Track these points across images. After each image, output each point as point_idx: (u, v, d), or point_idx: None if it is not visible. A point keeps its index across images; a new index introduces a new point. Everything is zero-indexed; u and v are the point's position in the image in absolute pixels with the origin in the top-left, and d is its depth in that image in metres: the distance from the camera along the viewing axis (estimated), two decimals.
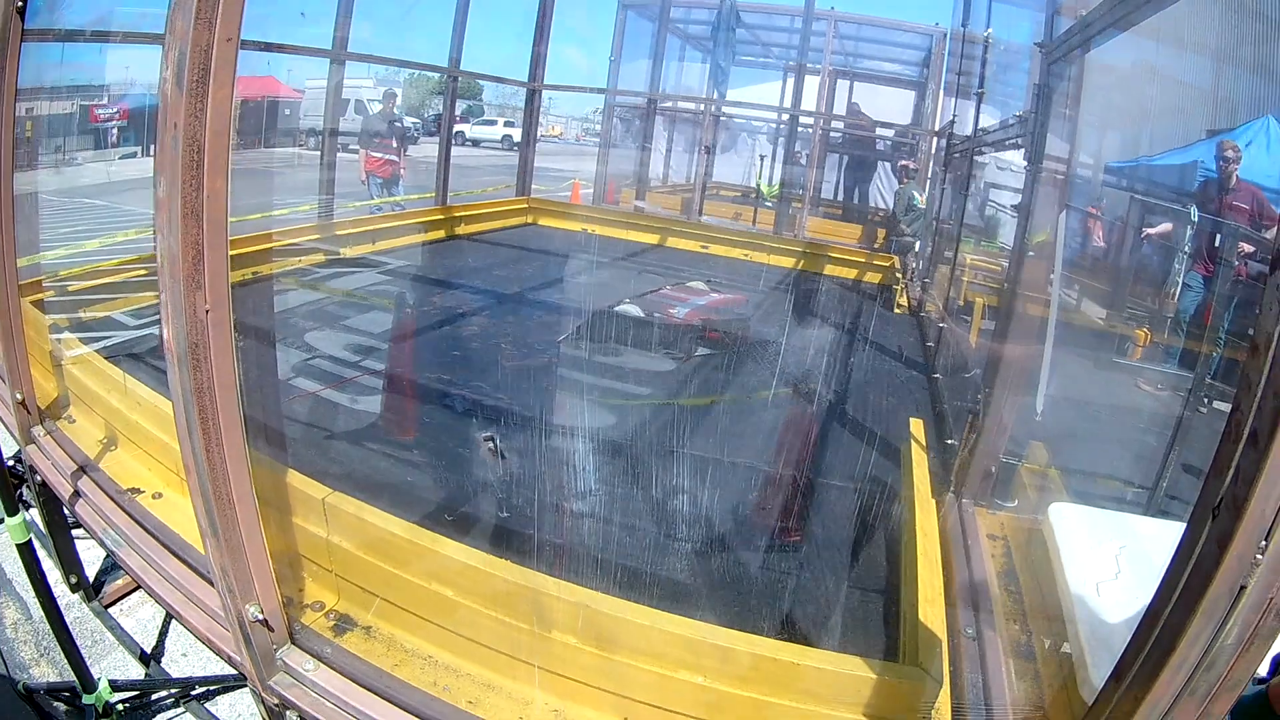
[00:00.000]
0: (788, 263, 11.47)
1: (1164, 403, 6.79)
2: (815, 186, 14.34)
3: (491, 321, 6.71)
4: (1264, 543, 1.35)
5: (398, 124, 12.60)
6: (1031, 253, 4.01)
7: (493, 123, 39.97)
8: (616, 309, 6.79)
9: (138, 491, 3.24)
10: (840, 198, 17.89)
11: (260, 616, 2.27)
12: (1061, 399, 5.55)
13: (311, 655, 2.42)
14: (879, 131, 17.73)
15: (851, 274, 11.17)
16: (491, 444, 4.19)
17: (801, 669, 2.19)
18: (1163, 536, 2.75)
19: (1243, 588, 1.38)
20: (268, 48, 9.46)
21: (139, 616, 4.65)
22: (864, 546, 3.75)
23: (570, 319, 6.76)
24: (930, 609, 2.59)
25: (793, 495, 4.11)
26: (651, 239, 12.02)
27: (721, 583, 3.31)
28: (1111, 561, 2.84)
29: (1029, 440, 4.30)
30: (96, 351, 4.40)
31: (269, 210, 12.60)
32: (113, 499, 3.19)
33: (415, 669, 2.44)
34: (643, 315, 6.66)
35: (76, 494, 3.32)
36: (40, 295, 4.80)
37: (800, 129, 15.05)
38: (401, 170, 12.94)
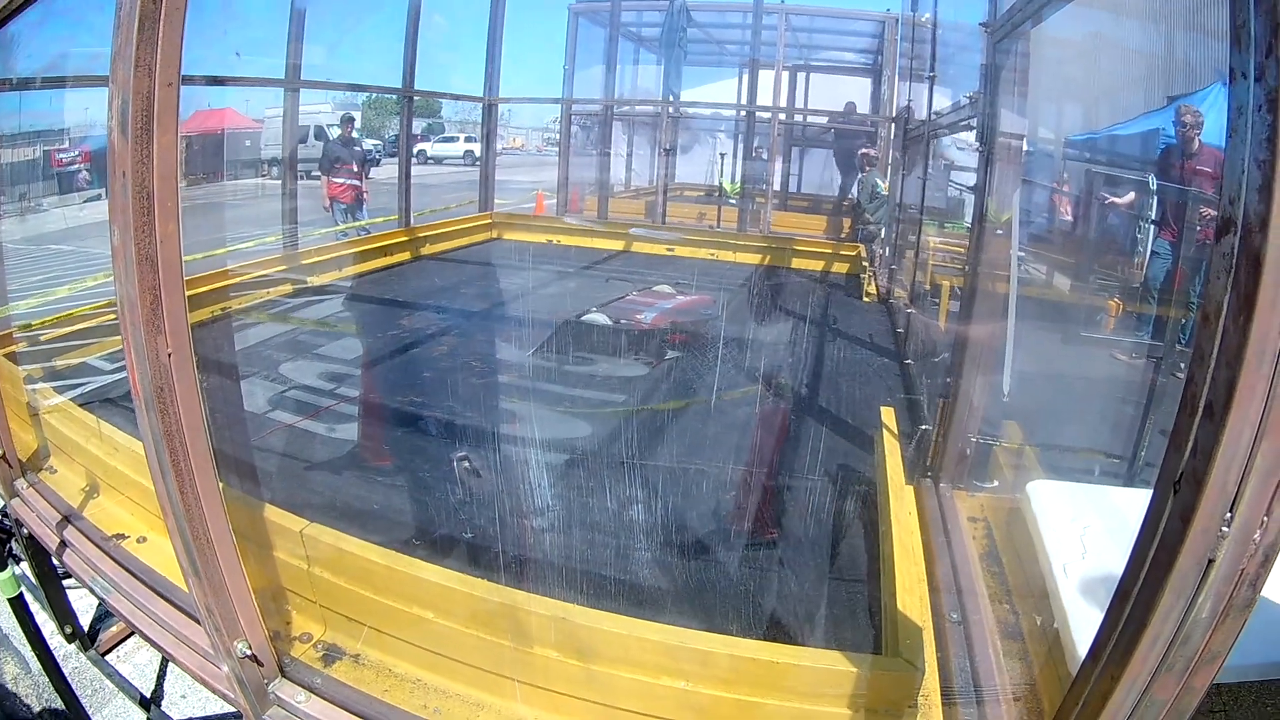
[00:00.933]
0: (754, 259, 11.46)
1: (1139, 371, 6.77)
2: (782, 180, 14.33)
3: (459, 340, 6.64)
4: (1229, 514, 1.32)
5: (358, 148, 12.47)
6: (1000, 231, 3.97)
7: (454, 139, 39.76)
8: (584, 318, 6.71)
9: (122, 537, 3.23)
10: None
11: (249, 652, 2.28)
12: (1037, 375, 5.53)
13: (303, 687, 2.43)
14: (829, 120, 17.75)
15: (819, 266, 11.18)
16: (466, 463, 4.16)
17: (782, 667, 2.18)
18: (1142, 506, 2.78)
19: (1211, 561, 1.35)
20: (217, 82, 9.39)
21: (136, 661, 4.65)
22: (841, 540, 3.71)
23: (537, 331, 6.69)
24: (909, 598, 2.57)
25: (767, 493, 4.08)
26: (616, 245, 11.98)
27: (700, 585, 3.28)
28: (1087, 536, 2.84)
29: (1004, 420, 4.27)
30: (74, 398, 4.45)
31: (234, 244, 12.51)
32: (98, 546, 3.19)
33: (405, 693, 2.44)
34: (610, 323, 6.59)
35: (63, 544, 3.31)
36: (13, 348, 4.78)
37: (760, 125, 15.00)
38: (365, 194, 12.83)
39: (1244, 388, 1.25)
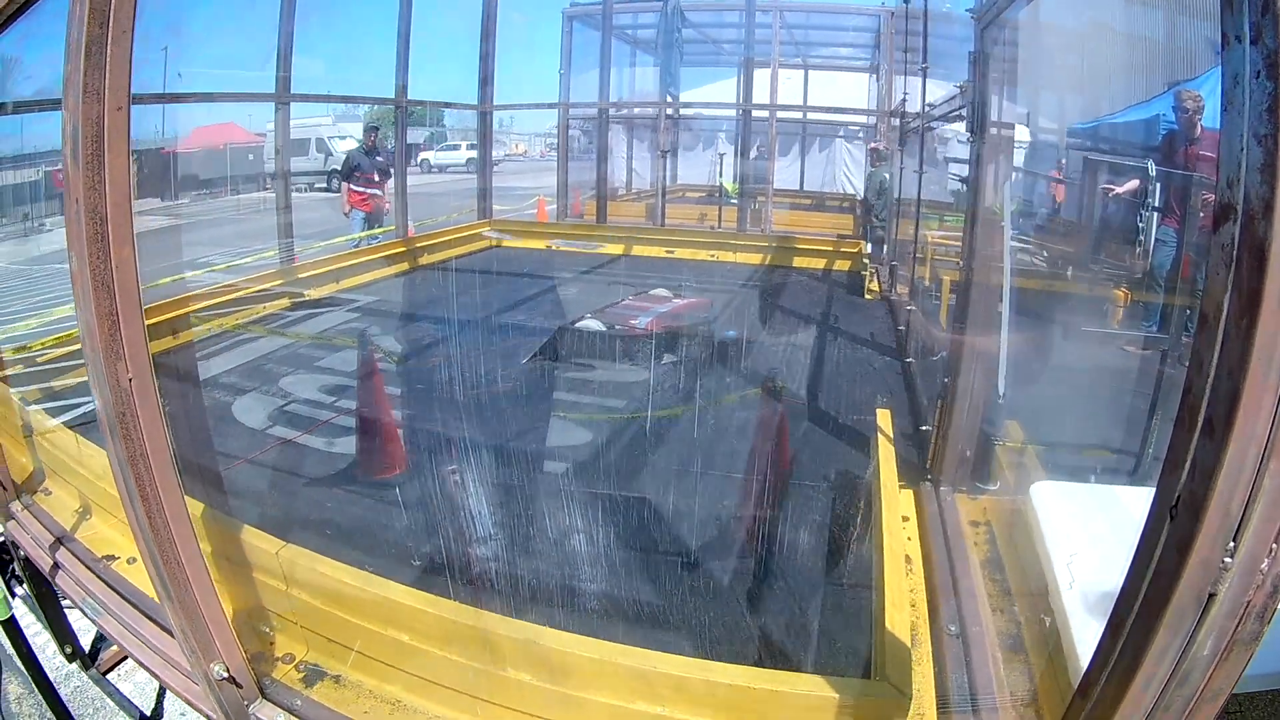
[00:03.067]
0: (755, 259, 11.38)
1: (1148, 362, 6.63)
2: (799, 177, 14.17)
3: (449, 352, 6.54)
4: (1232, 544, 1.18)
5: (380, 158, 12.38)
6: (1003, 223, 3.85)
7: (455, 147, 39.66)
8: (577, 325, 6.60)
9: (113, 559, 3.23)
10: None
11: (225, 674, 2.27)
12: (1038, 371, 5.40)
13: (283, 709, 2.40)
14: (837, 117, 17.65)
15: (820, 264, 11.09)
16: (456, 478, 4.10)
17: (759, 693, 2.11)
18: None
19: (1212, 595, 1.22)
20: (160, 99, 9.33)
21: (136, 680, 4.66)
22: (837, 551, 3.62)
23: (530, 340, 6.59)
24: (898, 614, 2.47)
25: (761, 503, 3.94)
26: (616, 249, 11.91)
27: (686, 601, 3.21)
28: (1093, 540, 2.68)
29: (1006, 420, 4.15)
30: (70, 420, 4.50)
31: (232, 259, 12.48)
32: (89, 568, 3.19)
33: (384, 715, 2.41)
34: (604, 329, 6.47)
35: (56, 566, 3.32)
36: (7, 371, 4.91)
37: (761, 123, 14.89)
38: (386, 205, 12.75)
39: (1248, 400, 1.11)
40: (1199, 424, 1.19)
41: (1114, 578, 2.38)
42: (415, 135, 41.15)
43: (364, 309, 8.30)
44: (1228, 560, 1.19)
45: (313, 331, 7.39)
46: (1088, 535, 2.73)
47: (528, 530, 3.75)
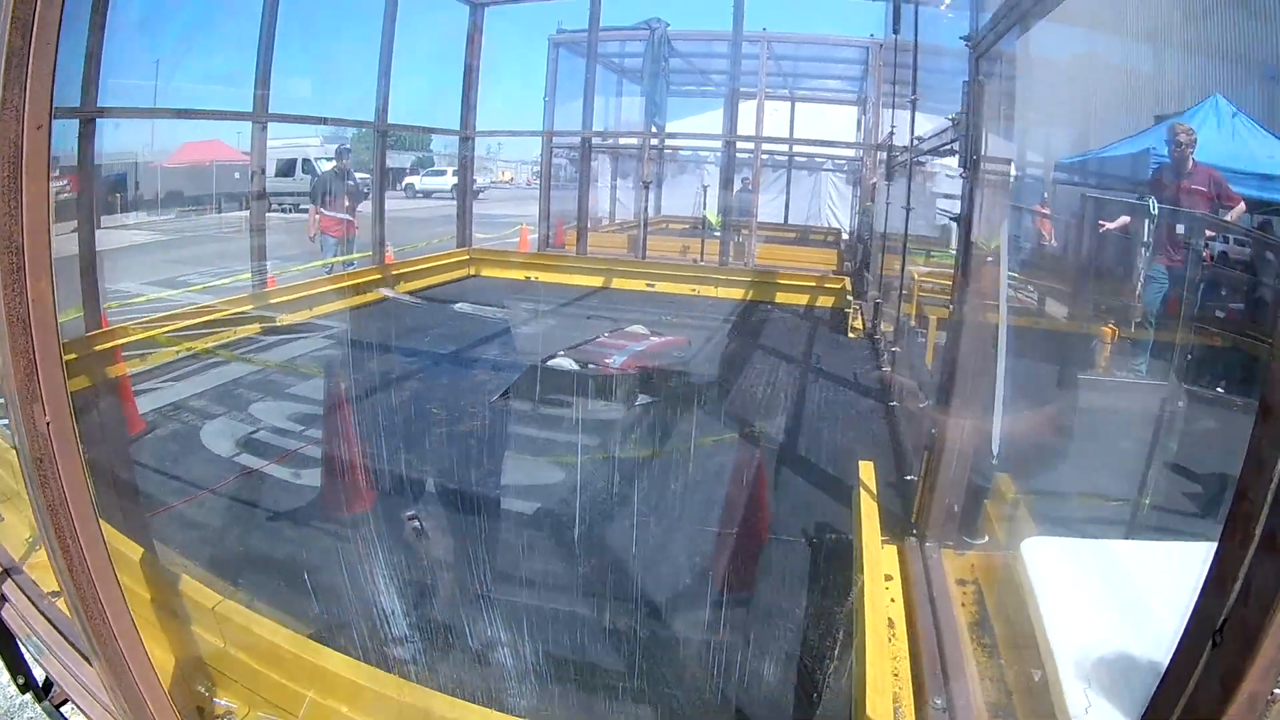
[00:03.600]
0: (737, 294, 11.29)
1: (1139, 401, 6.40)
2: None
3: (416, 388, 6.27)
4: None
5: (350, 181, 12.11)
6: (989, 259, 3.59)
7: (441, 173, 39.61)
8: (549, 364, 6.29)
9: (58, 595, 3.01)
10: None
11: None
12: (1032, 415, 5.15)
13: None
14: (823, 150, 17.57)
15: (803, 300, 10.97)
16: (415, 524, 3.92)
17: None
18: (1151, 560, 2.61)
19: None
20: (127, 113, 9.07)
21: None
22: (814, 615, 3.41)
23: (501, 377, 6.32)
24: (880, 687, 2.39)
25: (735, 561, 3.77)
26: (595, 281, 11.77)
27: (650, 672, 3.00)
28: (1090, 601, 2.54)
29: (997, 470, 3.88)
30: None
31: (212, 280, 12.24)
32: (34, 604, 3.03)
33: None
34: (576, 368, 6.15)
35: (3, 598, 3.16)
36: None
37: (748, 155, 14.71)
38: (355, 230, 12.50)
39: None
40: (1256, 537, 0.99)
41: (1109, 641, 2.26)
42: (402, 160, 41.19)
43: (331, 339, 8.10)
44: (1277, 693, 1.01)
45: (277, 360, 7.19)
46: (1084, 596, 2.56)
47: (479, 591, 3.50)
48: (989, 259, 3.52)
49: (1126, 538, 3.80)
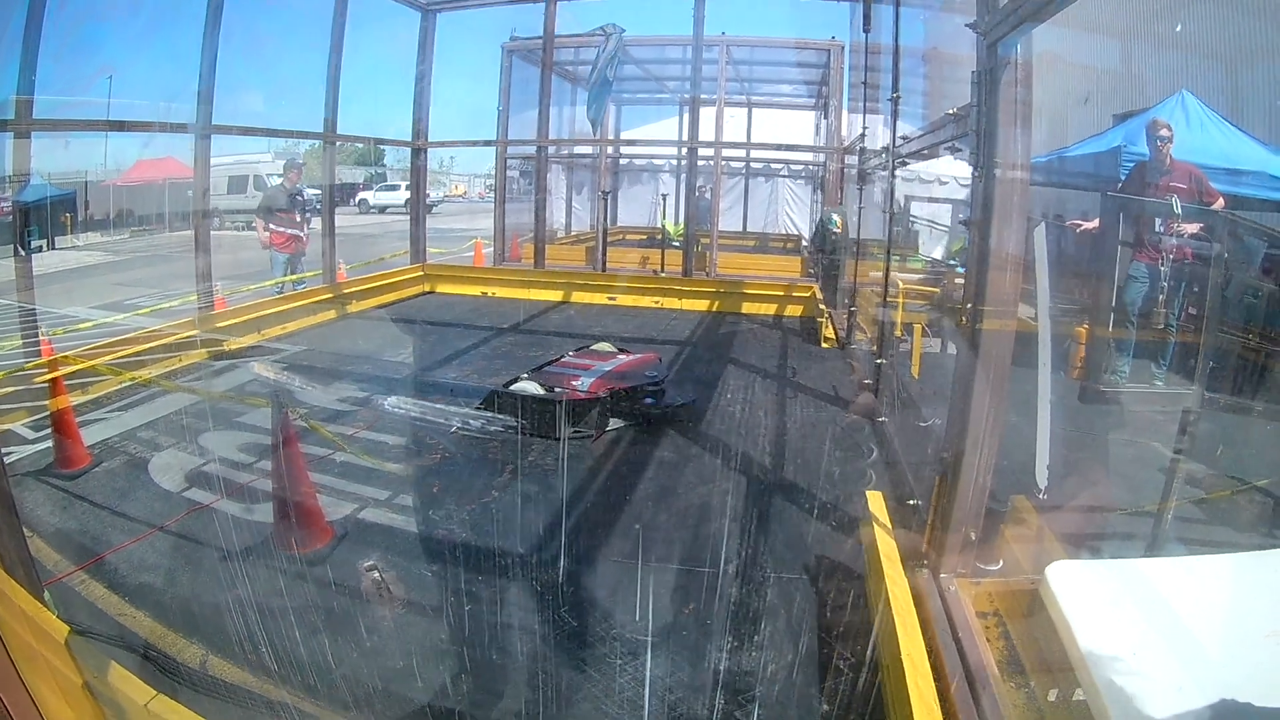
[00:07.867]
0: (701, 305, 11.08)
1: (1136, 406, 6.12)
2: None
3: (369, 417, 5.79)
4: None
5: (300, 197, 11.63)
6: (1009, 267, 3.24)
7: (395, 188, 39.11)
8: (512, 387, 5.84)
9: None
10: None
11: None
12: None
13: None
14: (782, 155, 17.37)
15: (771, 309, 10.72)
16: (375, 574, 3.62)
17: None
18: (1181, 579, 2.55)
19: None
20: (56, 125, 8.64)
21: None
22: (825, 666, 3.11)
23: (458, 403, 5.87)
24: None
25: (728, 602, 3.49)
26: (554, 295, 11.52)
27: None
28: (1130, 627, 2.39)
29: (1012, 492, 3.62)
30: None
31: (163, 301, 11.71)
32: None
33: None
34: (541, 393, 5.71)
35: None
36: None
37: (706, 162, 14.36)
38: (304, 246, 12.05)
39: None
40: None
41: (1159, 667, 2.19)
42: (355, 175, 40.63)
43: (282, 362, 7.67)
44: None
45: (225, 388, 6.83)
46: (1123, 621, 2.42)
47: (436, 644, 3.25)
48: (1009, 266, 3.16)
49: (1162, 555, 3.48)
